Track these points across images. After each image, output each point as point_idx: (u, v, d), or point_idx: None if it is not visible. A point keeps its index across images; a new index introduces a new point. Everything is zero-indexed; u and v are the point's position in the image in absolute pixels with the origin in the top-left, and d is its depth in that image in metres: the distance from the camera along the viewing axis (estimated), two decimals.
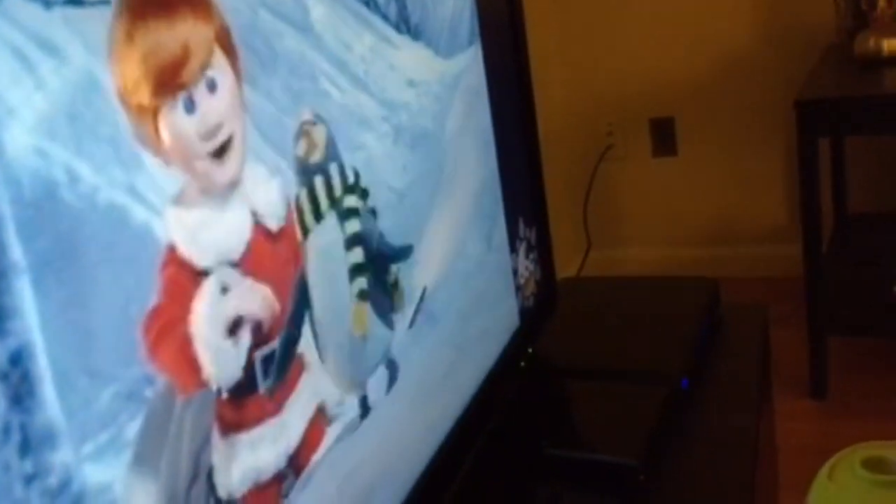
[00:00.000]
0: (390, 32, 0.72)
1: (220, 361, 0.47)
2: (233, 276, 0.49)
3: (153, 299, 0.43)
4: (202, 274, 0.47)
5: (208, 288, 0.47)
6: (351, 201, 0.64)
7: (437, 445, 0.79)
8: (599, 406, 1.09)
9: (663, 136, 2.46)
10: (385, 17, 0.71)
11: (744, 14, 2.26)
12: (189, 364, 0.45)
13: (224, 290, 0.48)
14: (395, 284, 0.73)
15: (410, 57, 0.76)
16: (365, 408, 0.65)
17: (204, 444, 0.45)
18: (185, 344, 0.45)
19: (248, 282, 0.51)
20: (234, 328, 0.49)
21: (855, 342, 2.05)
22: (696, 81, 2.36)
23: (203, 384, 0.46)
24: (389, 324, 0.72)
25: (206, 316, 0.46)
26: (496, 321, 0.98)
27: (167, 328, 0.44)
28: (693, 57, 2.35)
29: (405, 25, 0.75)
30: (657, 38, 2.36)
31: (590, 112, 2.49)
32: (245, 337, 0.50)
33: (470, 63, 0.90)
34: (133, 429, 0.40)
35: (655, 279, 1.41)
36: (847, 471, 0.88)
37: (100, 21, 0.41)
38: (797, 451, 1.32)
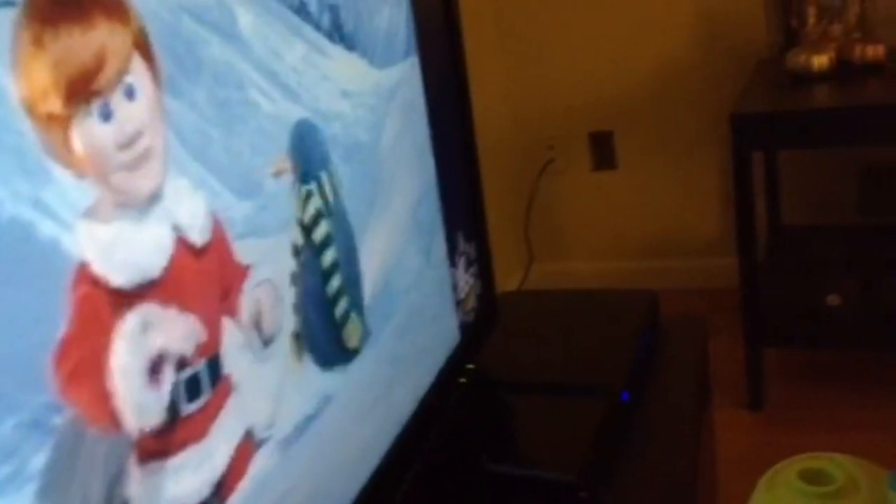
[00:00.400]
0: (323, 42, 0.71)
1: (139, 391, 0.44)
2: (154, 311, 0.46)
3: (64, 322, 0.40)
4: (118, 294, 0.44)
5: (128, 325, 0.44)
6: None
7: (375, 465, 0.77)
8: (541, 421, 1.08)
9: (603, 150, 2.48)
10: (317, 27, 0.69)
11: (680, 30, 2.30)
12: (103, 395, 0.42)
13: (145, 326, 0.45)
14: None
15: (344, 67, 0.75)
16: (296, 429, 0.63)
17: (119, 475, 0.42)
18: (101, 375, 0.42)
19: (171, 313, 0.48)
20: (156, 365, 0.46)
21: (791, 352, 2.09)
22: (635, 96, 2.39)
23: (118, 415, 0.43)
24: None
25: (124, 353, 0.43)
26: (435, 337, 0.97)
27: (80, 356, 0.41)
28: (631, 72, 2.37)
29: (339, 35, 0.73)
30: (596, 52, 2.38)
31: (530, 126, 2.50)
32: (167, 369, 0.47)
33: (406, 74, 0.89)
34: (38, 461, 0.37)
35: (596, 292, 1.42)
36: (784, 483, 0.89)
37: (3, 24, 0.38)
38: (735, 462, 1.32)
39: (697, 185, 2.39)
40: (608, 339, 1.23)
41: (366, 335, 0.76)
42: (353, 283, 0.73)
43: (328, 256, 0.69)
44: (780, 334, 1.88)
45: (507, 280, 2.32)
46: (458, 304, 1.04)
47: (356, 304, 0.74)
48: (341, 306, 0.71)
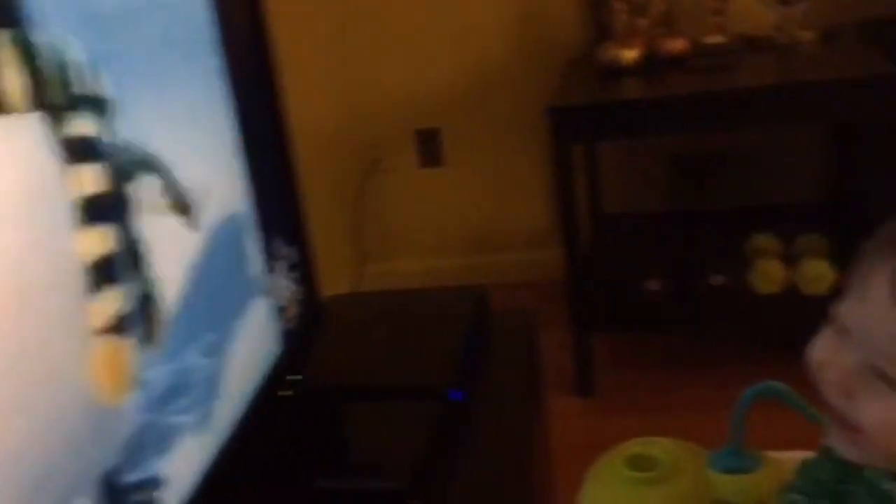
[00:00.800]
0: None
1: None
2: None
3: None
4: None
5: None
6: None
7: (195, 486, 0.71)
8: (372, 429, 1.04)
9: (429, 148, 2.48)
10: None
11: (499, 28, 2.33)
12: None
13: None
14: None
15: None
16: None
17: None
18: None
19: None
20: None
21: (621, 338, 2.16)
22: (459, 93, 2.40)
23: None
24: None
25: None
26: (252, 349, 0.91)
27: None
28: (454, 69, 2.38)
29: None
30: (420, 50, 2.38)
31: (355, 125, 2.46)
32: None
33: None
34: None
35: (426, 291, 1.40)
36: (612, 470, 0.89)
37: None
38: (569, 450, 1.34)
39: (522, 180, 2.43)
40: (438, 338, 1.21)
41: (167, 353, 0.69)
42: (148, 298, 0.67)
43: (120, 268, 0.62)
44: (606, 321, 1.94)
45: (339, 282, 2.27)
46: (280, 311, 0.99)
47: (153, 318, 0.67)
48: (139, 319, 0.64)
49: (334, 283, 2.22)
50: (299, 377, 1.00)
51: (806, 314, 0.61)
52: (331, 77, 2.40)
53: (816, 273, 1.79)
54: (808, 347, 0.62)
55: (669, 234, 2.15)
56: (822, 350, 0.60)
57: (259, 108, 0.97)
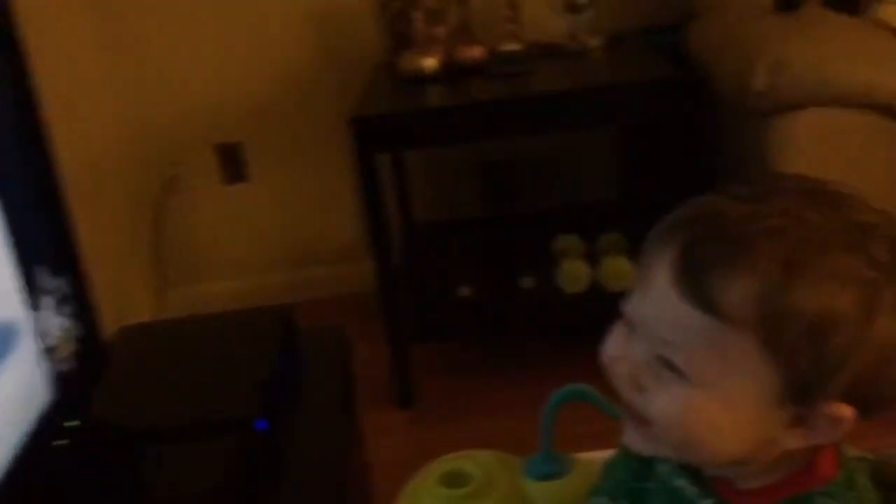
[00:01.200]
0: None
1: None
2: None
3: None
4: None
5: None
6: None
7: None
8: (167, 473, 0.95)
9: (231, 162, 2.36)
10: None
11: (298, 36, 2.26)
12: None
13: None
14: None
15: None
16: None
17: None
18: None
19: None
20: None
21: (436, 347, 2.14)
22: (259, 105, 2.31)
23: None
24: None
25: None
26: (16, 394, 0.80)
27: None
28: (253, 80, 2.29)
29: None
30: (215, 61, 2.26)
31: (150, 141, 2.31)
32: None
33: None
34: None
35: (227, 314, 1.31)
36: (426, 489, 0.86)
37: None
38: (391, 465, 1.30)
39: (331, 192, 2.38)
40: (241, 364, 1.14)
41: None
42: None
43: None
44: (420, 331, 1.92)
45: (139, 310, 2.12)
46: (49, 352, 0.88)
47: None
48: None
49: (133, 311, 2.08)
50: (77, 423, 0.89)
51: (611, 311, 0.60)
52: (120, 92, 2.24)
53: (618, 270, 1.86)
54: (601, 346, 0.61)
55: (480, 241, 2.16)
56: (613, 346, 0.60)
57: (12, 128, 0.86)
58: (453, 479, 0.86)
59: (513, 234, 2.15)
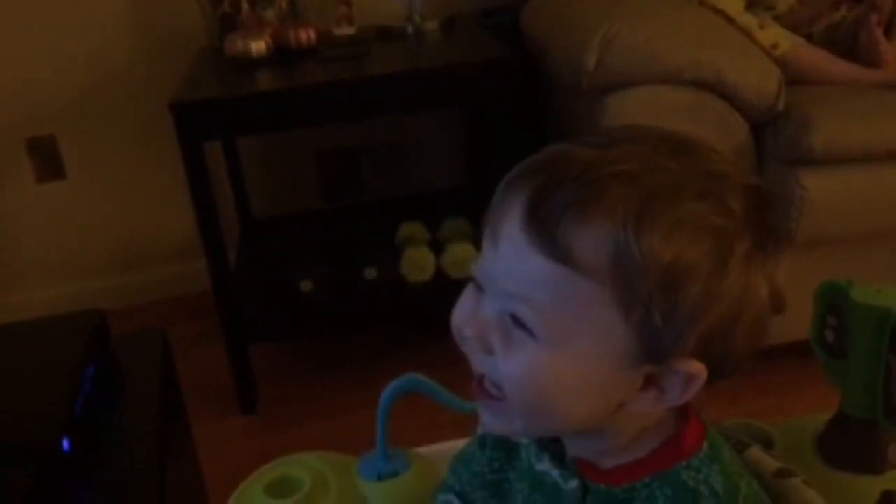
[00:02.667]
0: None
1: None
2: None
3: None
4: None
5: None
6: None
7: None
8: None
9: (46, 158, 2.16)
10: None
11: (114, 21, 2.08)
12: None
13: None
14: None
15: None
16: None
17: None
18: None
19: None
20: None
21: (278, 347, 2.05)
22: (76, 96, 2.12)
23: None
24: None
25: None
26: None
27: None
28: (68, 70, 2.09)
29: None
30: (22, 46, 2.06)
31: None
32: None
33: None
34: None
35: (29, 323, 1.17)
36: (251, 501, 0.78)
37: None
38: (232, 474, 1.20)
39: (161, 188, 2.22)
40: (42, 378, 1.01)
41: None
42: None
43: None
44: (261, 331, 1.82)
45: None
46: None
47: None
48: None
49: None
50: None
51: (456, 299, 0.55)
52: None
53: (462, 256, 1.82)
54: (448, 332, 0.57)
55: (322, 233, 2.08)
56: (461, 310, 0.56)
57: None
58: (281, 487, 0.79)
59: (356, 224, 2.08)
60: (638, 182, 0.49)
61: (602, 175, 0.49)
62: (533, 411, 0.53)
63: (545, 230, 0.49)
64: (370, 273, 1.85)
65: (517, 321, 0.51)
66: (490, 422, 0.56)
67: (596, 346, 0.50)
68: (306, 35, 1.86)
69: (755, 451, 0.68)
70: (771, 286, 0.52)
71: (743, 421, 0.82)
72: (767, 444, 0.76)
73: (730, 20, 1.64)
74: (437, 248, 1.90)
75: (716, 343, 0.51)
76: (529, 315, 0.51)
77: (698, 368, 0.51)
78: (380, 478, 0.80)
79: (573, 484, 0.57)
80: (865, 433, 0.74)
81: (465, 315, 0.55)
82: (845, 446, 0.75)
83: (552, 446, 0.59)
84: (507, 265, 0.51)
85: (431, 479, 0.77)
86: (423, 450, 0.85)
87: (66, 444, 0.92)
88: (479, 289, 0.55)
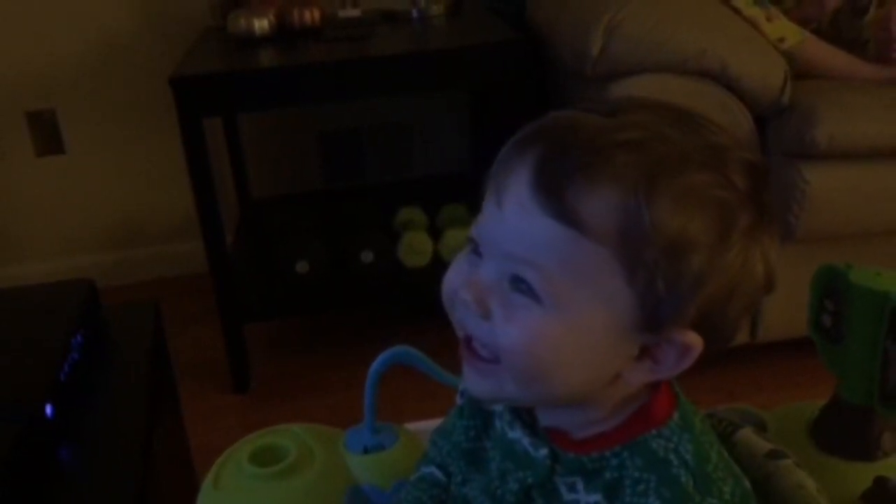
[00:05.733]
0: None
1: None
2: None
3: None
4: None
5: None
6: None
7: None
8: None
9: (46, 132, 2.15)
10: None
11: None
12: None
13: None
14: None
15: None
16: None
17: None
18: None
19: None
20: None
21: (274, 326, 2.04)
22: (77, 69, 2.10)
23: None
24: None
25: None
26: None
27: None
28: (70, 43, 2.08)
29: None
30: (23, 18, 2.05)
31: None
32: None
33: None
34: None
35: (17, 290, 1.16)
36: (234, 470, 0.77)
37: None
38: (225, 447, 1.20)
39: (160, 165, 2.21)
40: (29, 345, 1.00)
41: None
42: None
43: None
44: (257, 310, 1.81)
45: None
46: None
47: None
48: None
49: None
50: None
51: None
52: None
53: (460, 243, 1.80)
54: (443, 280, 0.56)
55: (321, 215, 2.06)
56: (456, 274, 0.55)
57: None
58: (267, 455, 0.78)
59: (355, 207, 2.06)
60: (645, 150, 0.49)
61: (609, 142, 0.49)
62: (529, 378, 0.52)
63: (554, 193, 0.49)
64: (367, 256, 1.84)
65: (520, 285, 0.51)
66: (476, 383, 0.55)
67: (599, 312, 0.50)
68: (311, 15, 1.85)
69: (746, 433, 0.67)
70: (767, 263, 0.52)
71: (737, 406, 0.81)
72: (761, 429, 0.75)
73: (737, 12, 1.63)
74: (436, 233, 1.88)
75: (712, 316, 0.51)
76: (533, 277, 0.50)
77: (694, 339, 0.51)
78: (366, 451, 0.79)
79: (543, 452, 0.56)
80: (860, 420, 0.72)
81: (460, 278, 0.54)
82: (839, 432, 0.74)
83: (524, 414, 0.58)
84: (513, 227, 0.51)
85: (418, 454, 0.76)
86: (412, 426, 0.84)
87: (49, 409, 0.91)
88: (476, 253, 0.54)
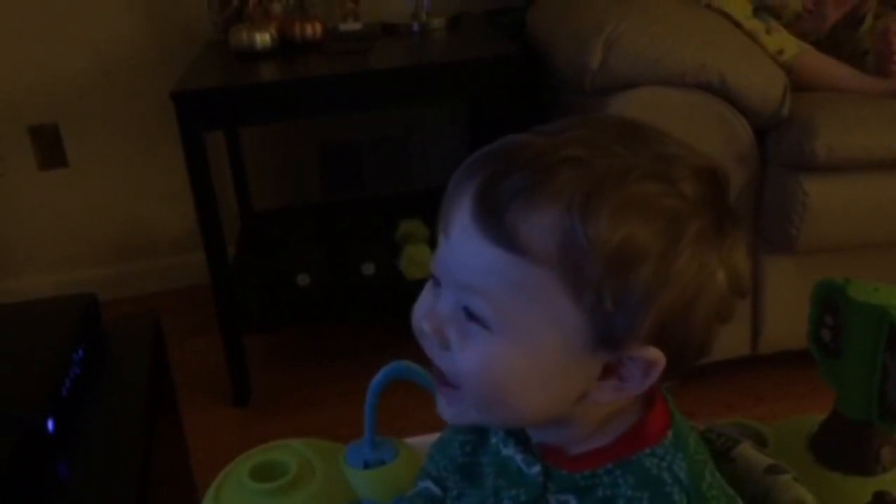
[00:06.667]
0: None
1: None
2: None
3: None
4: None
5: None
6: None
7: None
8: None
9: (48, 146, 2.16)
10: None
11: (121, 10, 2.09)
12: None
13: None
14: None
15: None
16: None
17: None
18: None
19: None
20: None
21: (274, 339, 2.04)
22: (79, 84, 2.12)
23: None
24: None
25: None
26: None
27: None
28: (72, 56, 2.09)
29: None
30: (27, 34, 2.06)
31: None
32: None
33: None
34: None
35: (18, 305, 1.16)
36: (235, 487, 0.77)
37: None
38: (226, 461, 1.20)
39: (162, 178, 2.22)
40: (31, 359, 1.00)
41: None
42: None
43: None
44: (257, 323, 1.81)
45: None
46: None
47: None
48: None
49: None
50: None
51: None
52: None
53: None
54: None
55: (322, 227, 2.07)
56: (420, 306, 0.56)
57: None
58: (267, 471, 0.78)
59: (355, 219, 2.07)
60: (587, 166, 0.48)
61: (551, 161, 0.49)
62: (489, 403, 0.53)
63: (493, 218, 0.49)
64: (368, 268, 1.84)
65: (471, 313, 0.51)
66: (444, 409, 0.56)
67: (550, 334, 0.50)
68: (312, 29, 1.86)
69: (745, 448, 0.67)
70: (730, 269, 0.51)
71: (736, 420, 0.81)
72: (761, 444, 0.75)
73: (736, 24, 1.63)
74: (436, 246, 1.88)
75: (674, 328, 0.50)
76: (482, 306, 0.50)
77: (656, 355, 0.50)
78: (366, 466, 0.80)
79: (535, 469, 0.56)
80: (859, 434, 0.72)
81: (423, 310, 0.55)
82: (839, 447, 0.74)
83: (518, 432, 0.59)
84: (459, 255, 0.51)
85: (418, 469, 0.76)
86: (412, 440, 0.84)
87: (50, 424, 0.91)
88: (438, 284, 0.54)
